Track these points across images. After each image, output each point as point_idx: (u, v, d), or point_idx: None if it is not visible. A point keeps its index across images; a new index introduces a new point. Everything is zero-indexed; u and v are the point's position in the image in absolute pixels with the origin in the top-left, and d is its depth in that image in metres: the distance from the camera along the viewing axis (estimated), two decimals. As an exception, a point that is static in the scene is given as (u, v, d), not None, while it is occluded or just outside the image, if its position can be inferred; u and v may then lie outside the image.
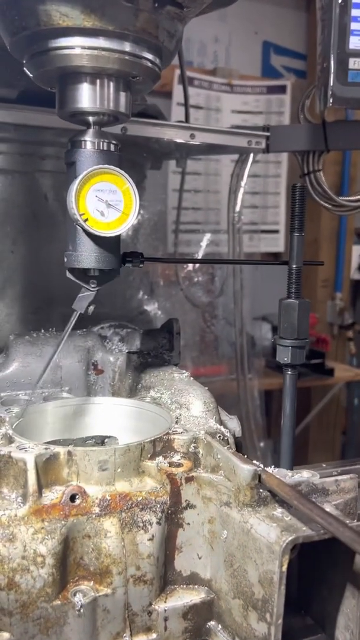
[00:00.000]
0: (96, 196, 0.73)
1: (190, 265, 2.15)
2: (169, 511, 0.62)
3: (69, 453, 0.62)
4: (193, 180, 2.44)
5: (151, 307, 1.48)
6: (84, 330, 1.04)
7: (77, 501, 0.59)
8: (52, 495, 0.60)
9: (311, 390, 2.80)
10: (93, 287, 0.79)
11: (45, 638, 0.57)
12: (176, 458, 0.66)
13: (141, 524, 0.60)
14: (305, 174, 1.34)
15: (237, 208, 1.55)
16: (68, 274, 0.79)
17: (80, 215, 0.73)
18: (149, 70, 0.74)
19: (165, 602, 0.62)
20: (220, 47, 2.82)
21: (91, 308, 0.79)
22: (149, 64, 0.73)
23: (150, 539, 0.60)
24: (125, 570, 0.60)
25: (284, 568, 0.54)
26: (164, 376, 0.91)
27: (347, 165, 2.89)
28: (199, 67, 2.72)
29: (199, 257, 2.28)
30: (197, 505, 0.64)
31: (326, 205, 1.36)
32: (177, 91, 2.42)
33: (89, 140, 0.76)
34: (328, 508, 0.60)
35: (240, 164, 1.49)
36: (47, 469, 0.61)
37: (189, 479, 0.63)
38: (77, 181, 0.72)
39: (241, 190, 1.54)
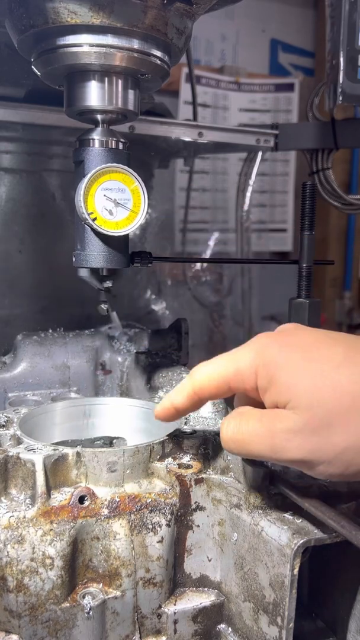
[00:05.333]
0: (104, 195, 0.73)
1: (198, 265, 2.14)
2: (179, 513, 0.62)
3: (78, 454, 0.61)
4: (201, 179, 2.43)
5: (159, 307, 1.48)
6: (92, 330, 1.04)
7: (86, 503, 0.59)
8: (61, 496, 0.59)
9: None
10: (105, 287, 0.79)
11: (54, 641, 0.57)
12: (185, 459, 0.65)
13: (150, 526, 0.60)
14: (314, 172, 1.33)
15: (245, 207, 1.55)
16: (80, 274, 0.78)
17: (89, 214, 0.72)
18: (157, 67, 0.73)
19: (174, 604, 0.62)
20: (227, 45, 2.81)
21: (104, 307, 0.80)
22: (158, 62, 0.72)
23: (160, 541, 0.60)
24: (135, 572, 0.59)
25: (296, 571, 0.54)
26: (173, 376, 0.90)
27: (356, 163, 2.87)
28: (206, 65, 2.71)
29: (207, 257, 2.27)
30: (206, 507, 0.63)
31: (335, 203, 1.35)
32: (184, 89, 2.41)
33: (97, 139, 0.75)
34: (340, 510, 0.59)
35: (249, 162, 1.49)
36: (55, 470, 0.60)
37: (198, 481, 0.63)
38: (85, 180, 0.72)
39: (249, 189, 1.53)
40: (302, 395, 0.47)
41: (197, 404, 0.56)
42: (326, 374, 0.47)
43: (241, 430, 0.51)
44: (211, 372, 0.54)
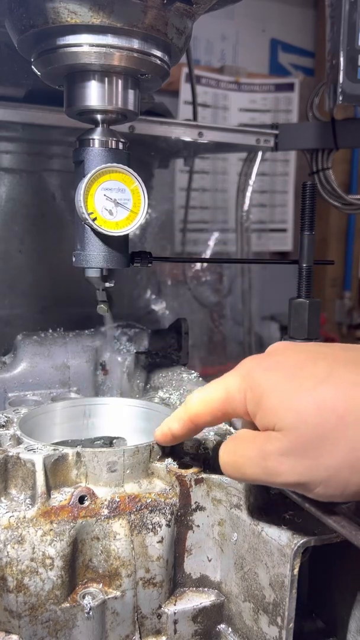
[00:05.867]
0: (104, 195, 0.73)
1: (198, 265, 2.14)
2: (179, 513, 0.62)
3: (78, 454, 0.61)
4: (201, 179, 2.43)
5: (159, 307, 1.48)
6: (92, 330, 1.03)
7: (86, 503, 0.59)
8: (61, 496, 0.59)
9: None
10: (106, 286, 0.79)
11: (54, 641, 0.57)
12: (185, 459, 0.65)
13: (150, 526, 0.60)
14: (314, 172, 1.33)
15: (245, 207, 1.55)
16: (88, 274, 0.78)
17: (89, 214, 0.72)
18: (157, 67, 0.73)
19: (174, 604, 0.62)
20: (227, 45, 2.81)
21: (104, 307, 0.80)
22: (158, 62, 0.72)
23: (160, 541, 0.60)
24: (135, 572, 0.59)
25: (296, 571, 0.54)
26: (173, 376, 0.90)
27: (356, 163, 2.87)
28: (206, 65, 2.71)
29: (207, 257, 2.27)
30: (206, 507, 0.63)
31: (335, 203, 1.35)
32: (184, 89, 2.41)
33: (97, 139, 0.75)
34: (340, 510, 0.59)
35: (249, 162, 1.49)
36: (55, 470, 0.60)
37: (198, 481, 0.63)
38: (85, 180, 0.72)
39: (249, 189, 1.53)
40: (287, 416, 0.46)
41: (193, 431, 0.57)
42: (309, 392, 0.45)
43: (236, 453, 0.51)
44: (203, 399, 0.54)
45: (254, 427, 0.51)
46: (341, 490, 0.45)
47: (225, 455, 0.52)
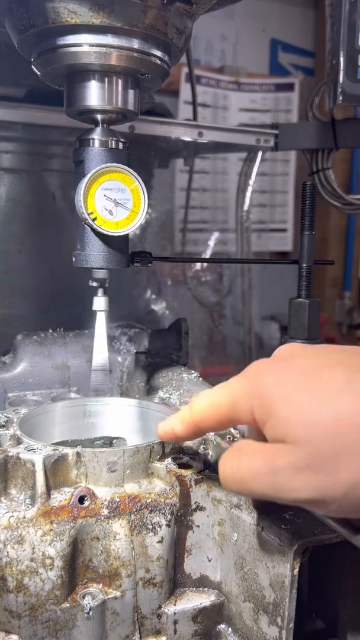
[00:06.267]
0: (104, 195, 0.73)
1: (198, 265, 2.14)
2: (179, 513, 0.62)
3: (78, 454, 0.61)
4: (201, 179, 2.43)
5: (159, 307, 1.48)
6: (92, 330, 1.03)
7: (86, 503, 0.59)
8: (61, 496, 0.59)
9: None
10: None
11: (54, 641, 0.57)
12: (185, 459, 0.65)
13: (150, 526, 0.60)
14: (314, 172, 1.33)
15: (245, 207, 1.55)
16: (97, 275, 0.79)
17: (89, 214, 0.72)
18: (157, 67, 0.73)
19: (174, 604, 0.62)
20: (227, 45, 2.81)
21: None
22: (158, 62, 0.72)
23: (160, 542, 0.60)
24: (135, 572, 0.59)
25: (296, 571, 0.54)
26: (173, 376, 0.90)
27: (356, 163, 2.87)
28: (206, 65, 2.71)
29: (207, 257, 2.27)
30: (206, 507, 0.63)
31: (335, 203, 1.35)
32: (184, 89, 2.41)
33: (97, 139, 0.75)
34: (340, 511, 0.59)
35: (249, 162, 1.49)
36: (55, 470, 0.60)
37: (198, 481, 0.63)
38: (85, 180, 0.72)
39: (249, 189, 1.53)
40: (301, 428, 0.42)
41: (196, 434, 0.55)
42: (325, 402, 0.42)
43: (241, 467, 0.47)
44: (209, 404, 0.51)
45: (261, 436, 0.47)
46: (358, 507, 0.43)
47: (227, 469, 0.48)
